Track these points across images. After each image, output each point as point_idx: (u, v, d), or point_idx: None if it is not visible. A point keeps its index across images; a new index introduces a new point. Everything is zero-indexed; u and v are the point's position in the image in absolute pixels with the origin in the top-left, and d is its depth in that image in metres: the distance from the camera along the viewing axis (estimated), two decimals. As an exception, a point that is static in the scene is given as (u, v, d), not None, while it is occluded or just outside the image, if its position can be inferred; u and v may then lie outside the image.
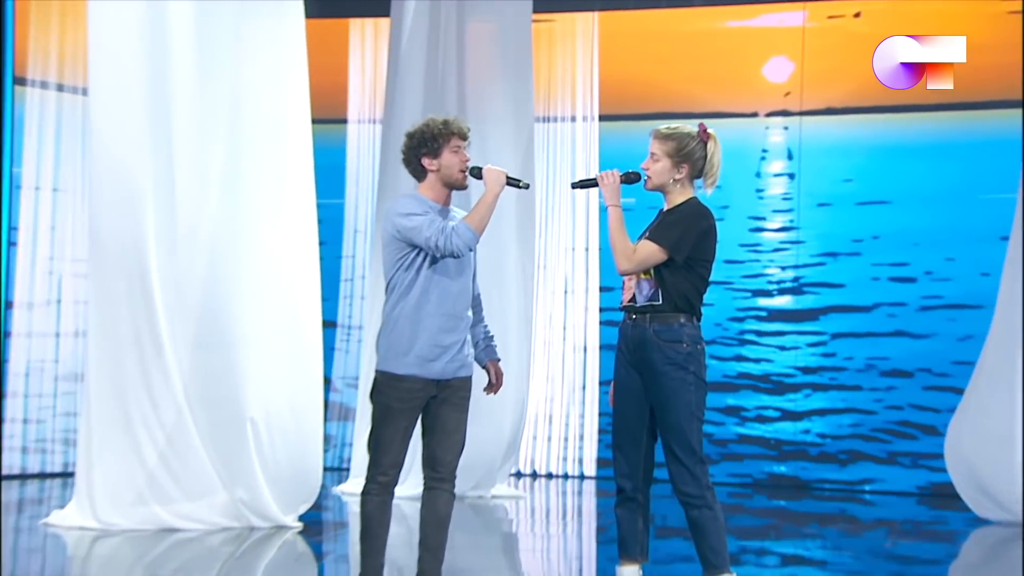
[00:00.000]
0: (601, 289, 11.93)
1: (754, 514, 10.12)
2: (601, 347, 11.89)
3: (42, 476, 10.72)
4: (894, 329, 11.37)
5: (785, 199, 11.69)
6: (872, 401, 11.37)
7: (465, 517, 9.21)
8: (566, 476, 11.86)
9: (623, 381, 5.85)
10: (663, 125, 5.86)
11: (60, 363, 10.83)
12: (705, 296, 5.85)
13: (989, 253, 10.84)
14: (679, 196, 5.83)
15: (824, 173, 11.59)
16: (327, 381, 11.84)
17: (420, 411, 5.76)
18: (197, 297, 8.20)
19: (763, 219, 11.73)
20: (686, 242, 5.72)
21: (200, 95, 8.22)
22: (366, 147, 12.30)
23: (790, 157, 11.68)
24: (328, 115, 11.66)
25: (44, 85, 10.85)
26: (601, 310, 11.90)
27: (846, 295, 11.51)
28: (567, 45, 12.07)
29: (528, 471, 11.91)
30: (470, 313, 5.84)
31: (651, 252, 5.73)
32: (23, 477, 10.59)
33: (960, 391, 10.14)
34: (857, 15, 11.49)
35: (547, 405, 11.96)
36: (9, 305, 10.62)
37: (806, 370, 11.53)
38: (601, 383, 11.76)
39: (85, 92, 9.58)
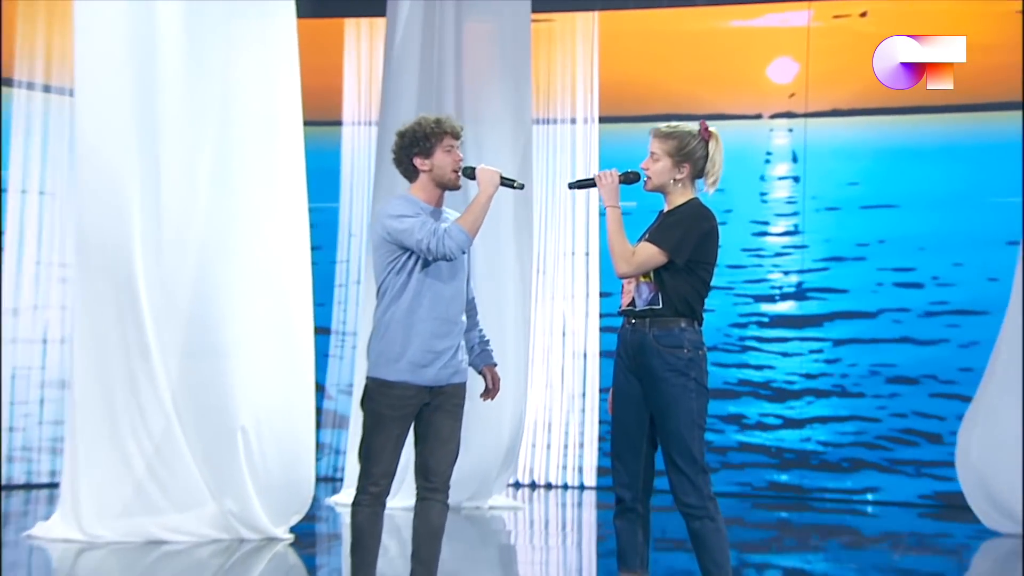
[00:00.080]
0: (601, 294, 11.81)
1: (755, 526, 10.01)
2: (601, 354, 11.78)
3: (28, 487, 10.61)
4: (899, 335, 11.23)
5: (789, 203, 11.55)
6: (876, 408, 11.25)
7: (462, 528, 9.18)
8: (565, 487, 11.76)
9: (622, 388, 5.71)
10: (663, 124, 5.70)
11: (46, 369, 10.76)
12: (707, 301, 5.70)
13: (997, 258, 10.75)
14: (680, 197, 5.69)
15: (829, 176, 11.48)
16: (321, 388, 11.75)
17: (412, 419, 5.66)
18: (186, 302, 8.13)
19: (766, 223, 11.60)
20: (687, 244, 5.57)
21: (189, 96, 8.15)
22: (361, 150, 12.18)
23: (795, 160, 11.55)
24: (322, 117, 11.62)
25: (31, 86, 10.81)
26: (601, 316, 11.79)
27: (850, 301, 11.38)
28: (566, 45, 11.96)
29: (527, 481, 11.79)
30: (464, 318, 5.74)
31: (651, 255, 5.58)
32: (8, 488, 10.47)
33: (967, 398, 10.07)
34: (863, 15, 11.36)
35: (546, 413, 11.88)
36: (-6, 311, 10.53)
37: (808, 376, 11.38)
38: (601, 390, 11.65)
39: (72, 93, 9.47)
